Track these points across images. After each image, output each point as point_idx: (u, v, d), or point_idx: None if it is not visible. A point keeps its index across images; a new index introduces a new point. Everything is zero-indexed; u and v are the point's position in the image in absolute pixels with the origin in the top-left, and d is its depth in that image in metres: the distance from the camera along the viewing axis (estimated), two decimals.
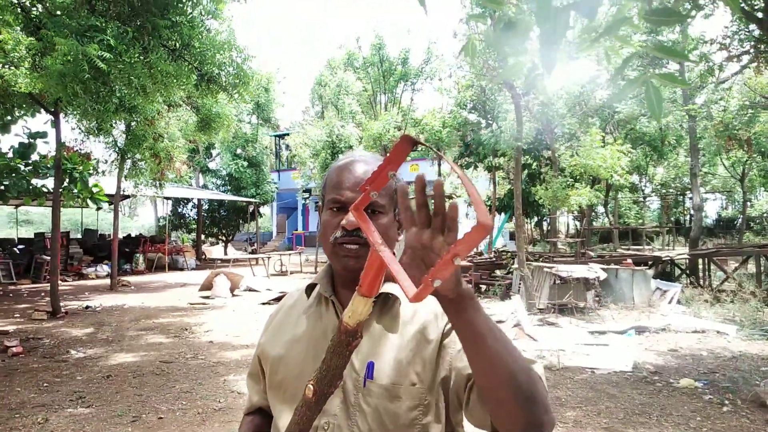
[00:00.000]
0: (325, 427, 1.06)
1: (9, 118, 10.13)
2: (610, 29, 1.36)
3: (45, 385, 5.73)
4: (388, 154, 0.76)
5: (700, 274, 12.59)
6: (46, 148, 11.06)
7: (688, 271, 12.99)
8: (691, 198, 17.63)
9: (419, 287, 0.71)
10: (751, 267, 12.59)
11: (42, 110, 10.29)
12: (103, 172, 13.16)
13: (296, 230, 31.76)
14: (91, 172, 11.80)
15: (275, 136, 33.23)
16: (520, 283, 10.78)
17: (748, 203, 28.18)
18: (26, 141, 10.50)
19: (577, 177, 13.09)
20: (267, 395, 1.23)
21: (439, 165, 22.47)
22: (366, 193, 0.79)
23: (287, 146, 29.92)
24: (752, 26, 7.34)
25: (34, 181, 10.71)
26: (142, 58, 6.97)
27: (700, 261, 12.78)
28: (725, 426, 4.45)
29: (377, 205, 1.12)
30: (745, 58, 8.64)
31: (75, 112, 9.48)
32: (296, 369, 1.14)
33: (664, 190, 28.08)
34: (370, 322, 1.12)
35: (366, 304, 0.84)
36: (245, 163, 26.25)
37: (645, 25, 1.41)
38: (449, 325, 1.12)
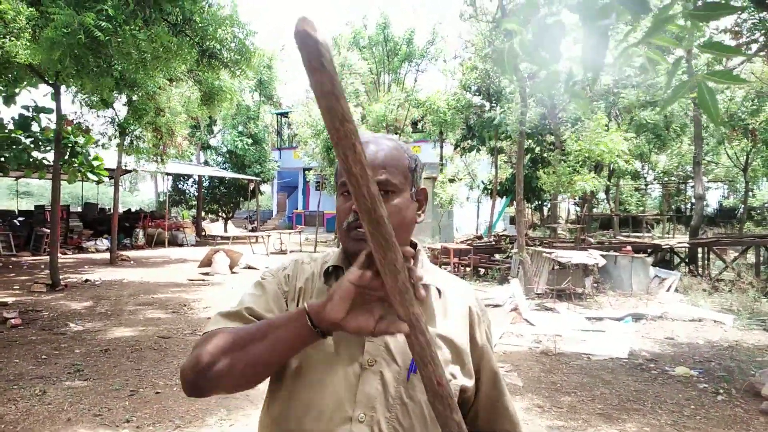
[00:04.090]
0: (361, 419, 1.00)
1: (15, 90, 10.01)
2: (654, 31, 1.26)
3: (43, 357, 5.75)
4: None
5: (699, 263, 12.60)
6: (46, 120, 11.00)
7: (687, 260, 13.00)
8: (692, 186, 17.58)
9: None
10: (751, 257, 12.60)
11: (43, 82, 10.20)
12: (104, 145, 13.08)
13: (296, 209, 31.74)
14: (92, 146, 11.76)
15: (277, 114, 33.05)
16: (519, 268, 10.79)
17: (750, 193, 28.10)
18: (28, 114, 10.43)
19: (581, 162, 13.02)
20: None
21: (441, 147, 22.38)
22: None
23: (289, 124, 29.78)
24: (763, 13, 7.24)
25: (34, 153, 10.66)
26: (142, 31, 6.87)
27: (700, 250, 12.78)
28: (719, 415, 4.47)
29: (389, 184, 1.05)
30: (754, 47, 8.52)
31: (74, 85, 9.39)
32: (326, 353, 1.05)
33: (666, 178, 27.98)
34: None
35: None
36: (249, 140, 26.17)
37: (688, 23, 1.30)
38: (484, 331, 1.18)
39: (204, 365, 0.97)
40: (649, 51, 1.37)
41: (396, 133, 20.89)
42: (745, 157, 22.72)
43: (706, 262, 12.47)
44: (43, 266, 12.66)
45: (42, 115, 10.61)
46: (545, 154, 16.98)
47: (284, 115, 32.07)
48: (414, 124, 26.11)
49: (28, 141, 10.44)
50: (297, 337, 0.91)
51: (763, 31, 7.74)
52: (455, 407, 0.86)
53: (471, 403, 1.15)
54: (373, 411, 1.00)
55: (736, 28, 8.31)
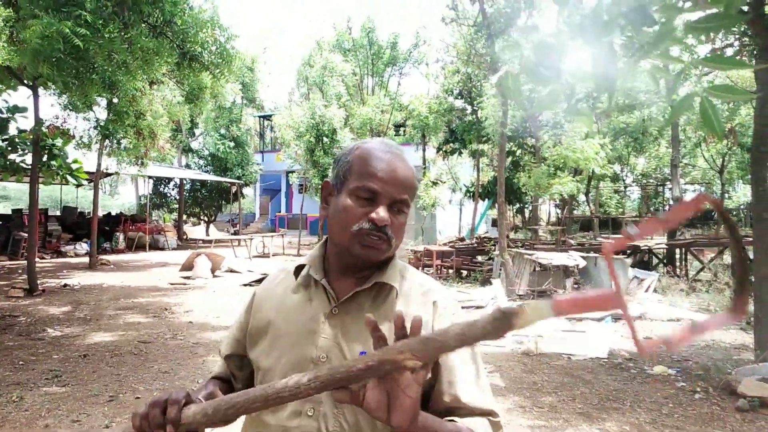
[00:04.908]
0: (309, 413, 1.03)
1: None
2: (656, 44, 1.25)
3: (20, 363, 5.66)
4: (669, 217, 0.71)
5: (677, 264, 12.80)
6: (25, 123, 10.80)
7: (665, 261, 13.20)
8: (670, 188, 17.84)
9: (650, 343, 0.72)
10: (727, 258, 12.82)
11: (22, 84, 10.02)
12: (89, 145, 12.86)
13: (279, 212, 31.61)
14: (72, 144, 11.57)
15: (260, 116, 32.91)
16: (500, 270, 10.87)
17: (726, 195, 28.62)
18: (4, 116, 10.24)
19: (560, 166, 13.15)
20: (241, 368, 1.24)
21: (424, 150, 22.46)
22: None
23: (271, 127, 29.67)
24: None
25: (11, 156, 10.47)
26: (122, 33, 6.81)
27: (678, 251, 12.98)
28: (696, 412, 4.55)
29: (406, 204, 1.11)
30: (729, 51, 8.68)
31: (56, 89, 9.24)
32: (283, 350, 1.11)
33: (644, 181, 28.40)
34: (363, 309, 1.09)
35: (541, 318, 0.75)
36: (231, 143, 26.01)
37: (688, 37, 1.30)
38: (447, 322, 1.13)
39: None
40: (654, 66, 1.38)
41: (379, 137, 20.90)
42: (721, 159, 23.16)
43: (683, 262, 12.67)
44: (20, 271, 12.44)
45: (20, 117, 10.43)
46: (524, 158, 17.14)
47: (267, 117, 31.92)
48: (397, 127, 26.16)
49: (4, 144, 10.25)
50: None
51: (736, 36, 7.88)
52: None
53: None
54: (321, 405, 1.04)
55: (711, 33, 8.46)
